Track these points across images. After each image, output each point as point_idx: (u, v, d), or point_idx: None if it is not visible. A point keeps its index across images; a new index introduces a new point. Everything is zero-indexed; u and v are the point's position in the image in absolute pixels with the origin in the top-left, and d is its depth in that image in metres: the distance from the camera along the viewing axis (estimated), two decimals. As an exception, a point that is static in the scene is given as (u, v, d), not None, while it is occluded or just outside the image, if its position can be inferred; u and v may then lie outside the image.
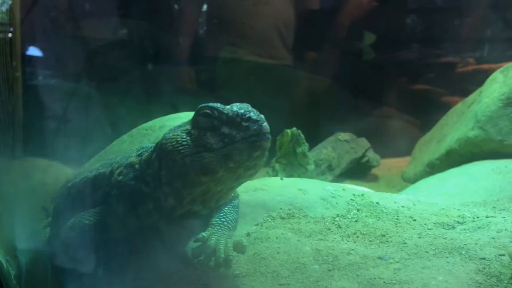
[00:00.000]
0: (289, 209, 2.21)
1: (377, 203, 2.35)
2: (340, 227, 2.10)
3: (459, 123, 4.08)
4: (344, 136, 4.81)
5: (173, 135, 1.60)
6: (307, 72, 6.06)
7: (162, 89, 4.89)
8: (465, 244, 1.86)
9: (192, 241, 1.76)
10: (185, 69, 5.31)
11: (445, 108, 5.00)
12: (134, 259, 1.69)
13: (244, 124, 1.51)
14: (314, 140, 4.91)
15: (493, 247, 1.83)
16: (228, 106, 1.59)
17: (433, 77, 7.48)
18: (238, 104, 1.60)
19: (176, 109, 3.25)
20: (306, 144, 3.91)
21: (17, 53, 3.73)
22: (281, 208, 2.21)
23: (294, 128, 3.86)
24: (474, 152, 3.70)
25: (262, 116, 1.56)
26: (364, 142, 4.94)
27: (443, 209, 2.37)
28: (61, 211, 1.95)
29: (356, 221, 2.17)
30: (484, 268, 1.67)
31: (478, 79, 4.30)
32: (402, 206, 2.35)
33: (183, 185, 1.60)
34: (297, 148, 3.84)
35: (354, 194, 2.46)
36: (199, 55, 5.58)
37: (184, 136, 1.58)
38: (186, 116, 3.00)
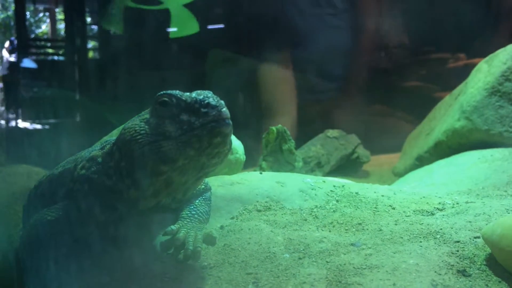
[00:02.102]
0: (266, 202, 2.18)
1: (357, 193, 2.32)
2: (317, 218, 2.07)
3: (446, 115, 4.06)
4: (333, 133, 4.78)
5: (132, 125, 1.57)
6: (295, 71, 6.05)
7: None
8: (441, 229, 1.82)
9: (161, 235, 1.72)
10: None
11: (437, 103, 4.98)
12: (100, 254, 1.66)
13: (203, 110, 1.48)
14: (305, 138, 4.90)
15: (469, 230, 1.80)
16: (188, 93, 1.56)
17: (425, 73, 7.47)
18: (198, 91, 1.57)
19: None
20: (293, 141, 3.87)
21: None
22: (257, 201, 2.17)
23: (280, 125, 3.83)
24: (462, 143, 3.67)
25: (222, 102, 1.52)
26: (353, 139, 4.91)
27: (424, 197, 2.34)
28: (29, 210, 1.92)
29: (334, 211, 2.14)
30: (458, 251, 1.64)
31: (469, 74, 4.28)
32: (382, 196, 2.32)
33: (143, 175, 1.56)
34: (283, 145, 3.80)
35: (334, 186, 2.43)
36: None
37: (143, 125, 1.54)
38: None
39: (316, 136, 4.73)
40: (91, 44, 6.70)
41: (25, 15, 5.82)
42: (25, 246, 1.66)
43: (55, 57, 6.78)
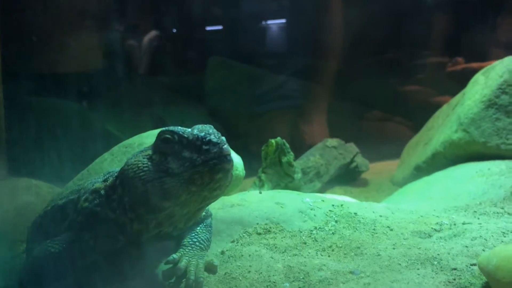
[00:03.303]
0: (265, 224, 2.20)
1: (355, 213, 2.35)
2: (316, 241, 2.09)
3: (443, 125, 4.09)
4: (332, 142, 4.81)
5: (135, 161, 1.60)
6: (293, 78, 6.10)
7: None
8: (438, 254, 1.86)
9: (163, 263, 1.75)
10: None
11: (436, 108, 5.00)
12: (103, 284, 1.68)
13: (205, 147, 1.51)
14: (302, 147, 4.93)
15: (466, 256, 1.83)
16: (189, 130, 1.58)
17: (423, 78, 7.49)
18: (199, 126, 1.59)
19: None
20: (292, 153, 3.90)
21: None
22: (257, 223, 2.20)
23: (279, 138, 3.85)
24: (459, 155, 3.71)
25: (223, 138, 1.55)
26: (352, 148, 4.94)
27: (421, 216, 2.37)
28: (34, 240, 1.94)
29: (333, 233, 2.17)
30: (455, 279, 1.67)
31: (468, 78, 4.31)
32: (380, 216, 2.34)
33: (146, 211, 1.60)
34: (282, 158, 3.83)
35: (333, 205, 2.45)
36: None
37: (145, 162, 1.57)
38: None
39: (315, 146, 4.75)
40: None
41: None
42: (29, 277, 1.69)
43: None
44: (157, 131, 3.00)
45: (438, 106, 5.48)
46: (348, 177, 4.85)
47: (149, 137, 2.94)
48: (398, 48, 7.21)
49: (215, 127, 1.61)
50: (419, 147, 4.45)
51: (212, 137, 1.53)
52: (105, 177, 1.77)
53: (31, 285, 1.67)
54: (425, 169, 4.03)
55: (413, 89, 7.32)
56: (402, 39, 7.10)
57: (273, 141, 3.85)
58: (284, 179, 3.90)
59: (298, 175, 3.96)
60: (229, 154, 1.52)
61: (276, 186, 3.89)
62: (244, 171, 3.04)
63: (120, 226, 1.66)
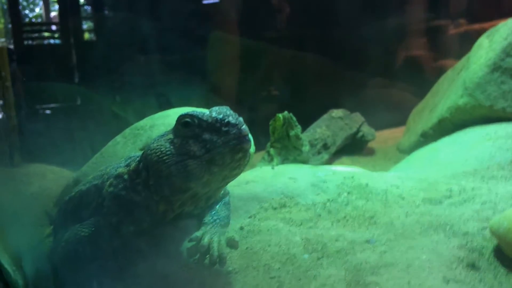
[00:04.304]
0: (280, 199, 2.27)
1: (367, 184, 2.41)
2: (331, 212, 2.16)
3: (449, 90, 4.10)
4: (337, 113, 4.83)
5: (157, 145, 1.65)
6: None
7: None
8: (450, 220, 1.92)
9: (186, 241, 1.83)
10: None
11: (439, 72, 4.99)
12: (131, 264, 1.77)
13: (224, 129, 1.57)
14: (308, 119, 4.96)
15: (477, 220, 1.90)
16: (207, 112, 1.63)
17: (426, 42, 7.42)
18: (216, 108, 1.64)
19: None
20: (299, 126, 3.94)
21: (4, 63, 3.77)
22: (272, 198, 2.27)
23: (286, 112, 3.88)
24: (465, 119, 3.73)
25: (240, 119, 1.60)
26: (358, 117, 4.96)
27: (431, 183, 2.43)
28: (61, 225, 2.02)
29: (346, 204, 2.23)
30: (467, 244, 1.74)
31: (471, 40, 4.28)
32: (391, 185, 2.41)
33: (171, 193, 1.67)
34: (290, 132, 3.87)
35: (344, 177, 2.52)
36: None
37: (168, 146, 1.63)
38: (175, 113, 3.04)
39: (321, 117, 4.78)
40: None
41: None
42: (63, 262, 1.77)
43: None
44: (167, 112, 3.07)
45: (441, 70, 5.46)
46: (355, 147, 4.90)
47: (160, 118, 2.99)
48: (398, 12, 7.12)
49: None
50: (425, 113, 4.47)
51: (230, 118, 1.58)
52: (127, 162, 1.84)
53: (66, 268, 1.76)
54: (432, 135, 4.07)
55: (416, 54, 7.28)
56: (402, 2, 7.00)
57: (280, 115, 3.88)
58: (292, 153, 3.95)
59: (306, 148, 4.01)
60: (248, 134, 1.58)
61: (284, 159, 3.95)
62: (254, 147, 3.10)
63: (146, 208, 1.73)
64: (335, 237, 1.88)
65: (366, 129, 4.91)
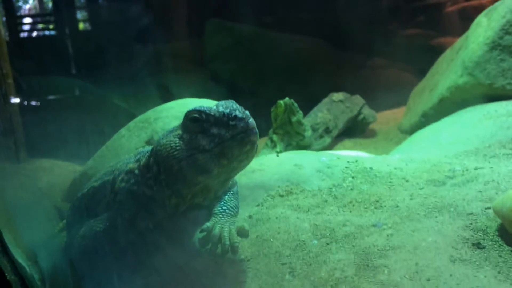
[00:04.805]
0: (286, 186, 2.32)
1: (371, 168, 2.45)
2: (337, 198, 2.21)
3: (448, 70, 4.12)
4: (338, 96, 4.86)
5: (167, 141, 1.69)
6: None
7: None
8: (454, 201, 1.97)
9: (198, 232, 1.88)
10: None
11: (438, 51, 4.98)
12: (146, 256, 1.82)
13: (231, 123, 1.60)
14: (309, 103, 4.98)
15: (480, 200, 1.94)
16: (214, 107, 1.66)
17: (423, 20, 7.39)
18: (223, 103, 1.67)
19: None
20: (301, 112, 3.98)
21: (5, 59, 3.78)
22: (279, 186, 2.31)
23: (287, 98, 3.92)
24: (465, 98, 3.76)
25: (247, 112, 1.64)
26: (358, 100, 4.99)
27: (434, 165, 2.47)
28: (74, 221, 2.07)
29: (351, 189, 2.28)
30: (471, 224, 1.78)
31: (468, 17, 4.27)
32: (395, 168, 2.45)
33: (182, 186, 1.72)
34: (292, 118, 3.91)
35: (348, 162, 2.56)
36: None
37: (177, 141, 1.67)
38: (178, 104, 3.07)
39: (322, 101, 4.81)
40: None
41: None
42: (80, 256, 1.83)
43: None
44: (170, 104, 3.10)
45: (439, 48, 5.44)
46: (356, 129, 4.94)
47: (164, 111, 3.01)
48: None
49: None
50: (425, 93, 4.49)
51: (237, 112, 1.61)
52: (137, 157, 1.87)
53: (83, 263, 1.81)
54: (433, 115, 4.10)
55: (413, 32, 7.26)
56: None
57: (281, 102, 3.92)
58: (295, 138, 3.99)
59: (308, 133, 4.06)
60: (255, 127, 1.61)
61: (287, 145, 4.00)
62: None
63: (158, 202, 1.78)
64: (343, 222, 1.93)
65: (367, 111, 4.94)
